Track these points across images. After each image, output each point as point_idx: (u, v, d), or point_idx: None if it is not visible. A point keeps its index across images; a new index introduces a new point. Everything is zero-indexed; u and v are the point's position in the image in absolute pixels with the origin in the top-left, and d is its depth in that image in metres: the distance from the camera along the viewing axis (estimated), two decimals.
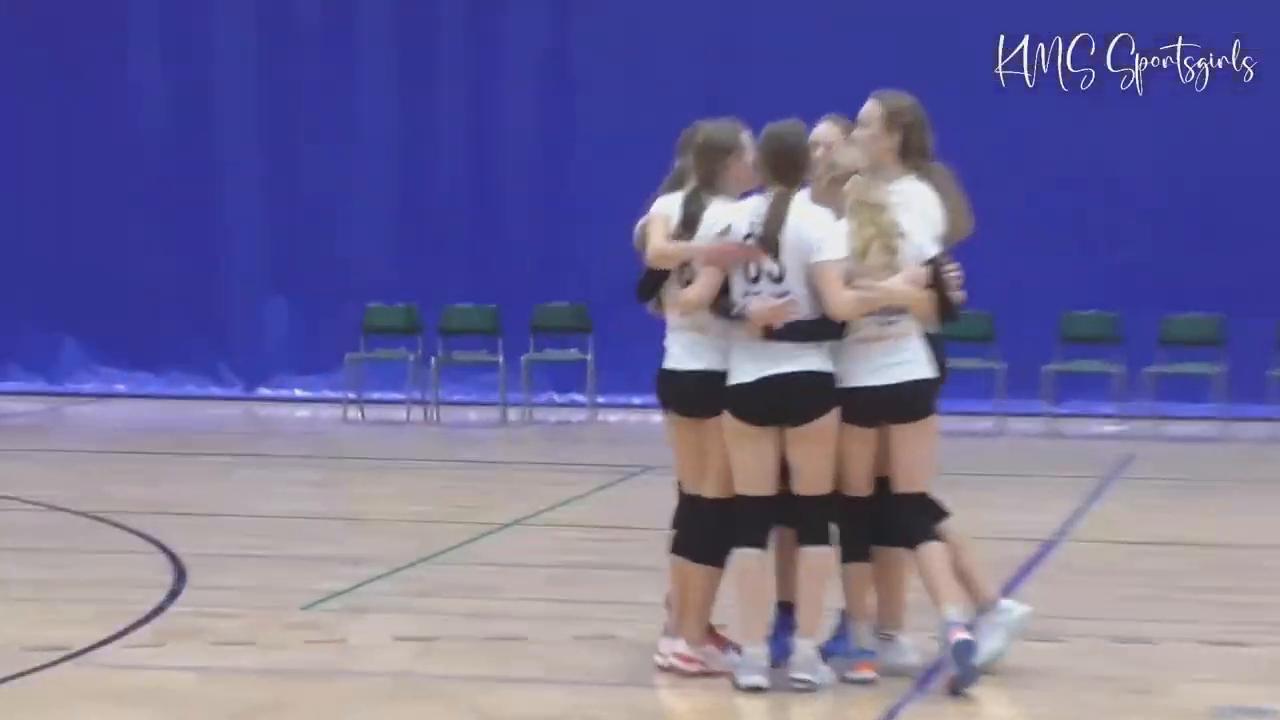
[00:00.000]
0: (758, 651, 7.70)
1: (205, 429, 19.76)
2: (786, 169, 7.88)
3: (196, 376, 21.05)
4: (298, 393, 21.05)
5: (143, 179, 21.41)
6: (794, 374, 7.85)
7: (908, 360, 7.86)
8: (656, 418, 9.39)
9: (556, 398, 20.84)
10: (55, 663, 8.46)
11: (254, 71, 21.79)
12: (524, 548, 12.09)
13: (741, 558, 7.84)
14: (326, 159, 21.19)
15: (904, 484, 7.89)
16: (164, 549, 11.75)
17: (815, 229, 7.75)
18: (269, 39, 22.05)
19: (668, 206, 8.19)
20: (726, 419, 7.90)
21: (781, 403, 7.81)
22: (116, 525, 12.88)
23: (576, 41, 21.54)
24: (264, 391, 20.94)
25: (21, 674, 8.20)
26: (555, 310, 20.13)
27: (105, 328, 21.15)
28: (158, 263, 20.88)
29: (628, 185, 9.94)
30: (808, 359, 7.91)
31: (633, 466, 15.83)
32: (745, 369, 7.84)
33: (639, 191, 8.73)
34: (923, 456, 7.91)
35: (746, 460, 7.94)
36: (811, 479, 7.82)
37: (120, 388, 21.05)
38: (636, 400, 19.57)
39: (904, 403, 7.78)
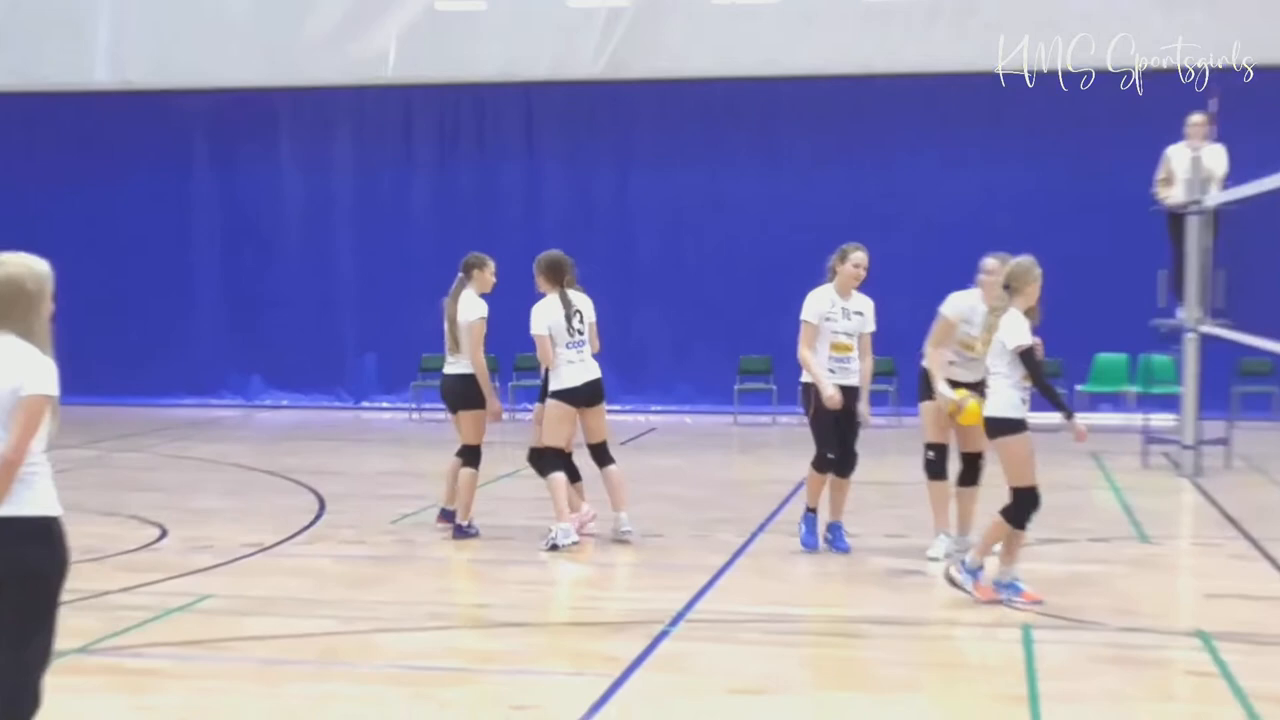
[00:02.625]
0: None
1: (332, 425, 20.93)
2: None
3: (327, 396, 22.53)
4: (383, 404, 22.38)
5: (282, 275, 22.42)
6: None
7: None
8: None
9: None
10: (254, 553, 11.01)
11: (351, 188, 22.46)
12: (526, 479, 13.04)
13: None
14: (381, 260, 21.69)
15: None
16: (312, 491, 14.06)
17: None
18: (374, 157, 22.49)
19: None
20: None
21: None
22: (284, 478, 15.12)
23: None
24: (364, 404, 22.46)
25: (237, 559, 10.79)
26: None
27: (276, 367, 22.43)
28: (301, 327, 22.01)
29: None
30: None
31: None
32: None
33: None
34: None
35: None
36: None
37: (285, 402, 22.58)
38: None
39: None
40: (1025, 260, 9.27)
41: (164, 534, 11.77)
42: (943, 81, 20.77)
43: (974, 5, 20.80)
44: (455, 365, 11.52)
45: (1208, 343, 15.90)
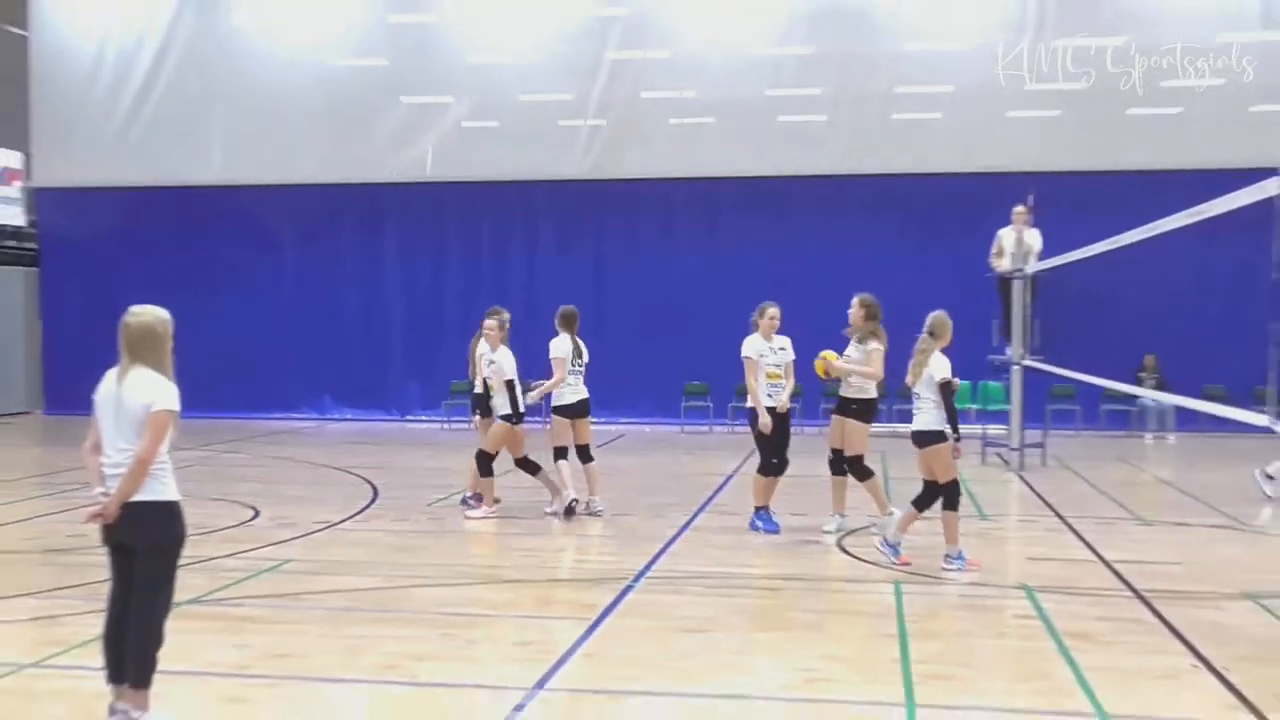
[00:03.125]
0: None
1: (382, 434, 20.28)
2: None
3: (380, 411, 22.03)
4: (422, 418, 21.62)
5: (344, 322, 21.97)
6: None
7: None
8: None
9: None
10: (324, 529, 11.06)
11: (397, 258, 22.15)
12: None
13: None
14: (419, 311, 21.47)
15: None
16: (368, 482, 13.92)
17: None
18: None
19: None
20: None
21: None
22: (347, 472, 14.87)
23: None
24: (408, 417, 21.70)
25: (311, 533, 10.90)
26: None
27: (341, 390, 22.13)
28: (361, 360, 21.68)
29: None
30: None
31: None
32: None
33: None
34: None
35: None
36: None
37: (348, 415, 22.19)
38: None
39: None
40: (942, 314, 9.33)
41: (256, 514, 11.74)
42: (837, 181, 20.88)
43: (862, 125, 20.78)
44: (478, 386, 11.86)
45: (1028, 373, 15.96)
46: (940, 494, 9.13)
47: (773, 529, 10.66)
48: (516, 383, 11.30)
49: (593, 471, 11.70)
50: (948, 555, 9.11)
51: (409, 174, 21.92)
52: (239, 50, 22.49)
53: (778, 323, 10.77)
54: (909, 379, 9.28)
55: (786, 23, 21.11)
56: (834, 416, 10.72)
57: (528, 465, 11.69)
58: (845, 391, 10.53)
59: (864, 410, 10.48)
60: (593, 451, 11.71)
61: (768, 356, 10.57)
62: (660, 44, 21.41)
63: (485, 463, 11.49)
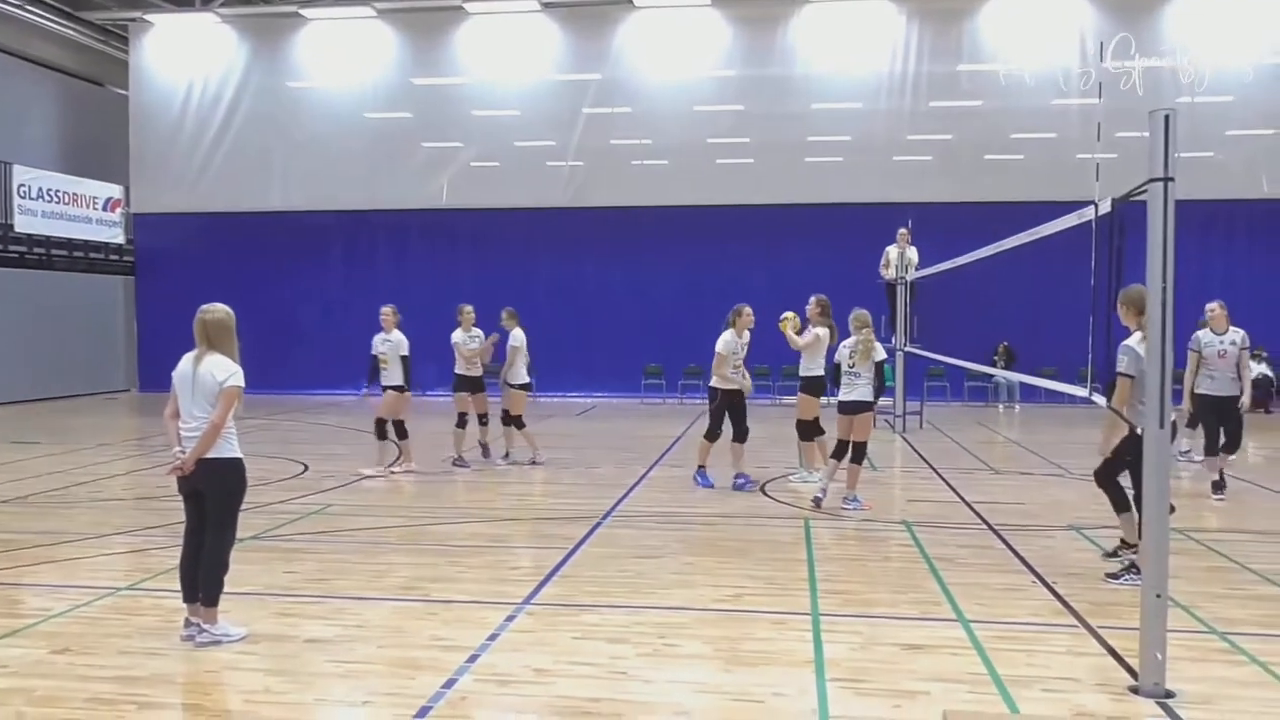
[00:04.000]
0: None
1: None
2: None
3: None
4: (438, 392, 18.82)
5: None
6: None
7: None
8: None
9: None
10: (359, 480, 10.96)
11: (420, 267, 21.70)
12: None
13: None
14: (436, 307, 22.74)
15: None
16: (394, 444, 12.50)
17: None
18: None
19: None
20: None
21: None
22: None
23: None
24: (427, 393, 19.70)
25: (349, 483, 10.78)
26: None
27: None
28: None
29: None
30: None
31: None
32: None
33: None
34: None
35: None
36: None
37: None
38: None
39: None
40: (865, 311, 9.20)
41: (305, 469, 11.61)
42: (762, 209, 20.89)
43: (781, 166, 20.83)
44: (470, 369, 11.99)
45: (909, 357, 16.00)
46: (853, 450, 9.10)
47: (707, 484, 10.35)
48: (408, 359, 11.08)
49: (530, 436, 11.95)
50: (846, 498, 9.11)
51: (429, 202, 21.94)
52: (295, 103, 22.69)
53: (752, 322, 10.29)
54: (855, 360, 9.00)
55: (722, 87, 21.34)
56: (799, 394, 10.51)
57: (393, 428, 11.26)
58: (801, 371, 10.39)
59: (810, 385, 10.31)
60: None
61: (738, 352, 10.15)
62: (625, 102, 21.59)
63: (380, 427, 11.24)
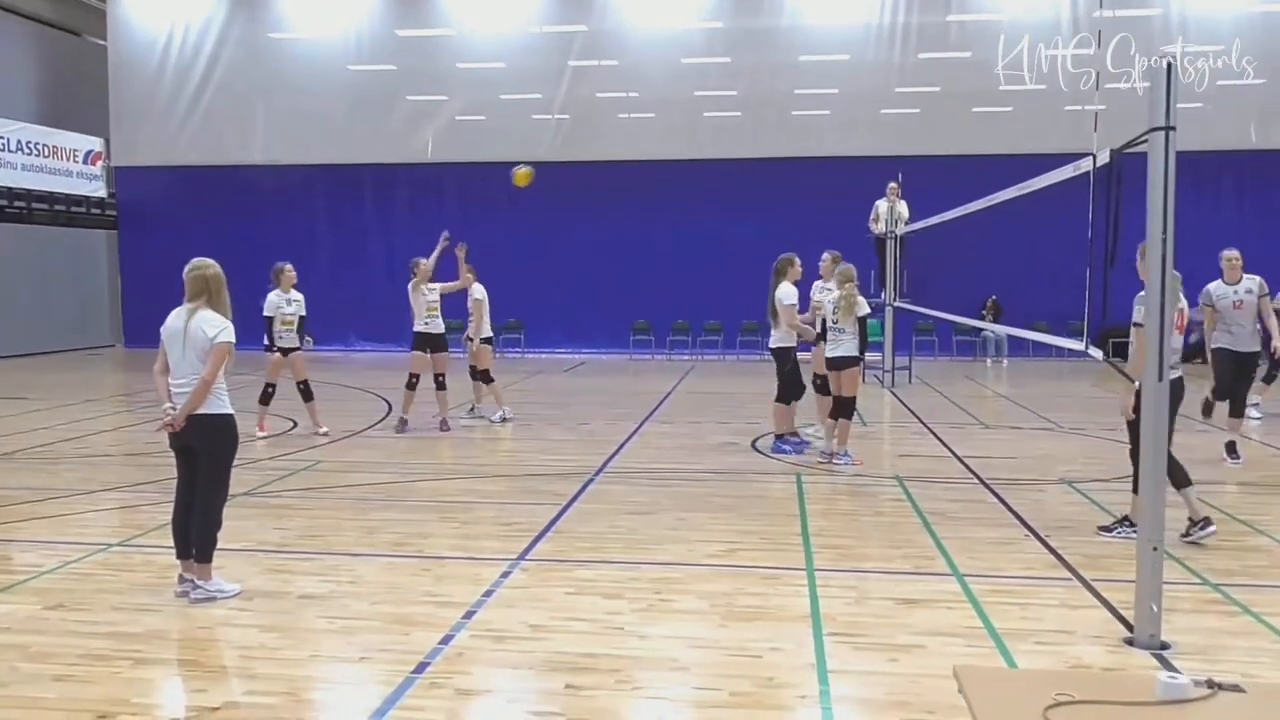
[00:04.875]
0: None
1: (396, 362, 18.22)
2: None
3: (394, 345, 20.14)
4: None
5: (361, 268, 21.35)
6: None
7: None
8: None
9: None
10: (348, 436, 10.96)
11: (405, 222, 21.48)
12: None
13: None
14: None
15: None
16: (384, 400, 13.51)
17: None
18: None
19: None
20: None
21: None
22: (367, 392, 14.46)
23: None
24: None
25: (338, 440, 10.78)
26: None
27: (363, 325, 21.66)
28: (376, 299, 20.59)
29: None
30: None
31: None
32: None
33: None
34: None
35: None
36: None
37: (368, 347, 21.62)
38: None
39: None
40: (850, 266, 9.11)
41: (295, 425, 11.54)
42: (750, 163, 20.68)
43: (769, 120, 20.67)
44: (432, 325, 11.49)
45: (898, 312, 15.93)
46: (841, 405, 9.07)
47: (797, 449, 9.61)
48: (276, 321, 10.80)
49: (496, 389, 11.91)
50: (836, 453, 9.11)
51: (414, 157, 21.74)
52: (277, 56, 22.31)
53: (800, 272, 9.61)
54: (839, 316, 8.87)
55: (710, 39, 21.08)
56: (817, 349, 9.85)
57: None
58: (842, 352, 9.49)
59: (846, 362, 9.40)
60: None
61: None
62: (611, 55, 21.33)
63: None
